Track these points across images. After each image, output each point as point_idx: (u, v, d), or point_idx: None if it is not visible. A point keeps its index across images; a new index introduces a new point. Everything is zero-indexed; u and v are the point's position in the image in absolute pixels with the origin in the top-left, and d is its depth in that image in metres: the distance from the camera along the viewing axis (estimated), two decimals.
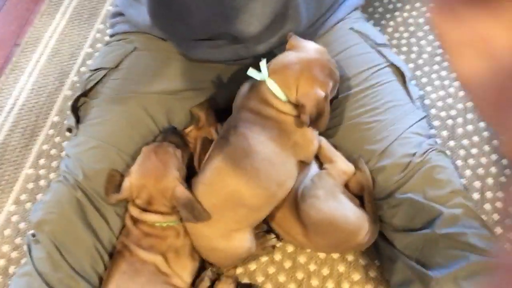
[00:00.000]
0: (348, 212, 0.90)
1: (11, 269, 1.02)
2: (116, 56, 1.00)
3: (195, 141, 0.97)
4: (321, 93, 0.85)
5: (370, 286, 0.99)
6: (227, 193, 0.87)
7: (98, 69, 1.00)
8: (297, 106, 0.86)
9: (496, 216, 1.06)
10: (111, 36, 1.07)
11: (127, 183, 0.86)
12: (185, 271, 0.89)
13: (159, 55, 1.00)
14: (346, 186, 0.95)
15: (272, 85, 0.86)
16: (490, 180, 1.11)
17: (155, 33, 0.99)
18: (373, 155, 0.92)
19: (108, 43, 1.07)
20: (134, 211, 0.87)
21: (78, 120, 0.96)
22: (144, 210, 0.87)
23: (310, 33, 1.00)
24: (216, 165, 0.89)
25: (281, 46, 0.97)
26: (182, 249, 0.89)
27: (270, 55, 0.98)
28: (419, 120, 0.96)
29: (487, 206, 1.07)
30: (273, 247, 1.01)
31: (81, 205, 0.87)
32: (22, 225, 1.07)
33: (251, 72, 0.87)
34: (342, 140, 0.97)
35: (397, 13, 1.39)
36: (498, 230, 1.01)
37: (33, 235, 0.87)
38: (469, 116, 1.19)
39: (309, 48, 0.89)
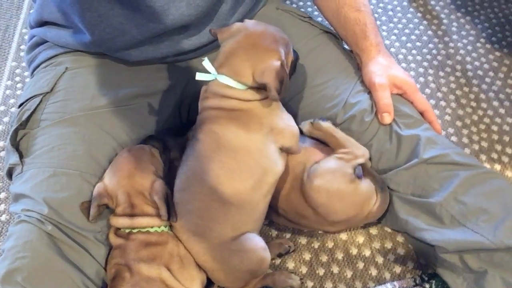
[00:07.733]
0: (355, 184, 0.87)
1: None
2: (48, 80, 0.90)
3: None
4: (276, 63, 0.79)
5: (376, 243, 0.97)
6: (208, 191, 0.79)
7: (29, 98, 0.89)
8: (259, 89, 0.80)
9: None
10: (35, 68, 0.97)
11: (100, 186, 0.77)
12: (194, 283, 0.78)
13: (95, 70, 0.92)
14: None
15: (225, 80, 0.80)
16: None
17: (91, 50, 0.92)
18: (339, 109, 0.93)
19: (33, 76, 0.96)
20: (122, 222, 0.76)
21: (21, 155, 0.83)
22: (132, 215, 0.77)
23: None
24: (189, 166, 0.82)
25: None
26: (186, 259, 0.79)
27: (212, 47, 0.97)
28: None
29: None
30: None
31: (55, 239, 0.74)
32: None
33: (200, 76, 0.82)
34: (307, 105, 0.97)
35: None
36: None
37: None
38: None
39: (240, 29, 0.82)
